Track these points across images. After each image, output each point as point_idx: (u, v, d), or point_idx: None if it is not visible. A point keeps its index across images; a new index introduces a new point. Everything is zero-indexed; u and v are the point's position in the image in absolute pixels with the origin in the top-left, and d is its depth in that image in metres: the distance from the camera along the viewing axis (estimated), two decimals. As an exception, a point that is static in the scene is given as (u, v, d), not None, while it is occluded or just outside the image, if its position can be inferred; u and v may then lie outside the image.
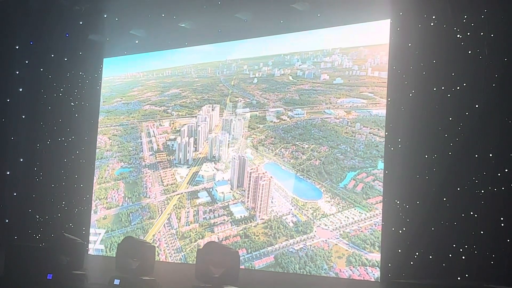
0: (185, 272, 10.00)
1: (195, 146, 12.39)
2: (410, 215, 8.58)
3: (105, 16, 11.76)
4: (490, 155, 8.10)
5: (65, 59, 12.93)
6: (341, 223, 9.45)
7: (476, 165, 8.16)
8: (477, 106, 8.28)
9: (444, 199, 8.33)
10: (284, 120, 10.92)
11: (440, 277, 8.17)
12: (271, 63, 11.48)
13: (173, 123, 12.91)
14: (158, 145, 12.96)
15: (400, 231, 8.61)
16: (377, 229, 9.09)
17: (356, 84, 10.15)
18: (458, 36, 8.53)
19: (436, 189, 8.41)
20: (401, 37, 9.11)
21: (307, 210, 9.95)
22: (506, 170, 7.95)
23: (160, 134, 13.00)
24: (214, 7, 10.66)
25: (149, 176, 12.86)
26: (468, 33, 8.46)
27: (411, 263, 8.41)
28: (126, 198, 12.86)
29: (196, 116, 12.39)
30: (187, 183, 12.16)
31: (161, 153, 12.93)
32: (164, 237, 11.75)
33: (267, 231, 10.32)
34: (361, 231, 9.23)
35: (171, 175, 12.56)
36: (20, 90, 12.94)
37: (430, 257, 8.33)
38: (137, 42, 12.22)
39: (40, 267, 9.68)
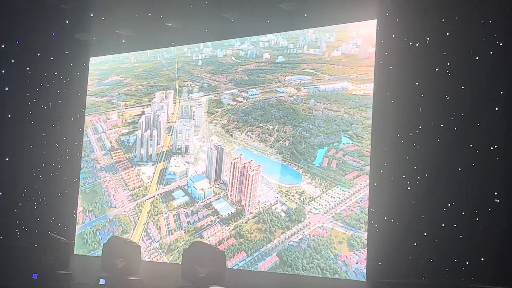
0: (171, 272, 9.98)
1: (151, 138, 11.79)
2: (397, 214, 8.59)
3: (91, 15, 11.73)
4: (478, 151, 8.14)
5: (52, 58, 12.87)
6: (329, 204, 9.35)
7: (468, 160, 8.19)
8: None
9: (433, 196, 8.35)
10: (241, 101, 10.88)
11: (427, 276, 8.20)
12: (211, 45, 11.46)
13: (122, 115, 12.40)
14: (110, 142, 12.34)
15: (387, 231, 8.61)
16: (364, 205, 9.02)
17: (296, 61, 10.41)
18: (446, 35, 8.58)
19: (424, 188, 8.44)
20: (388, 38, 9.12)
21: (293, 196, 9.78)
22: (500, 165, 7.98)
23: (110, 129, 12.40)
24: (201, 7, 10.64)
25: (109, 180, 12.12)
26: (454, 34, 8.50)
27: (398, 262, 8.42)
28: (87, 212, 12.13)
29: (150, 105, 11.97)
30: (157, 183, 11.57)
31: (116, 151, 12.28)
32: (147, 254, 11.01)
33: (260, 226, 10.01)
34: (351, 210, 9.12)
35: (136, 176, 11.83)
36: (6, 89, 12.87)
37: (416, 258, 8.35)
38: (123, 41, 12.18)
39: (25, 267, 9.66)
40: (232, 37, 11.14)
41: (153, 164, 11.75)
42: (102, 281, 9.37)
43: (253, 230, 10.07)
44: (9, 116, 12.92)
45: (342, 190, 9.31)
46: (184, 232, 10.85)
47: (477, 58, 8.26)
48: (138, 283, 9.48)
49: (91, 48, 12.63)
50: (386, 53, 9.10)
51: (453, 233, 8.13)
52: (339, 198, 9.30)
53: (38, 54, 12.95)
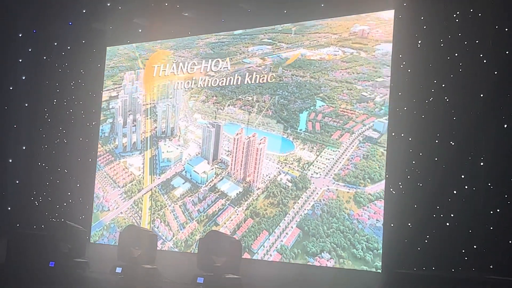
0: (187, 261, 9.99)
1: (134, 124, 11.50)
2: (412, 207, 8.59)
3: (108, 4, 11.73)
4: (493, 148, 8.13)
5: (68, 48, 12.92)
6: (326, 167, 9.52)
7: (483, 156, 8.19)
8: (481, 95, 8.30)
9: (446, 190, 8.36)
10: (213, 76, 10.97)
11: (441, 267, 8.20)
12: None
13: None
14: (83, 133, 12.13)
15: (402, 223, 8.62)
16: (356, 161, 9.23)
17: (253, 32, 10.83)
18: (464, 28, 8.55)
19: (440, 180, 8.44)
20: (405, 28, 9.10)
21: (292, 164, 9.85)
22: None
23: (80, 119, 12.19)
24: (217, -3, 10.69)
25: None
26: (473, 24, 8.46)
27: (413, 253, 8.44)
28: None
29: (121, 88, 11.85)
30: (151, 174, 11.22)
31: (92, 143, 12.05)
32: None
33: (272, 200, 9.97)
34: (347, 169, 9.30)
35: (123, 169, 11.48)
36: (23, 78, 12.94)
37: (430, 250, 8.35)
38: (140, 31, 12.18)
39: (42, 255, 9.70)
40: (249, 27, 11.08)
41: (139, 153, 11.44)
42: (118, 270, 9.39)
43: (266, 206, 10.03)
44: (26, 105, 12.99)
45: (333, 151, 9.51)
46: (197, 223, 10.66)
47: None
48: (154, 272, 9.50)
49: (108, 37, 12.63)
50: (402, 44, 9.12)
51: (470, 225, 8.14)
52: (333, 158, 9.48)
53: (55, 43, 13.00)
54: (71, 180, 12.61)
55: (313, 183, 9.57)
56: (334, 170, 9.38)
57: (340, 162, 9.35)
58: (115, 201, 11.49)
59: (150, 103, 11.58)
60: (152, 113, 11.51)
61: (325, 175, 9.46)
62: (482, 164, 8.18)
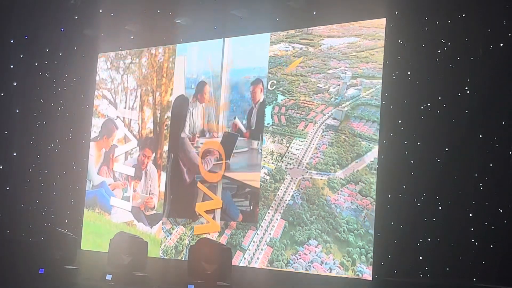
0: (177, 269, 9.99)
1: None
2: (403, 215, 8.61)
3: (100, 11, 11.72)
4: (488, 150, 8.16)
5: (60, 54, 12.89)
6: (298, 157, 9.81)
7: (474, 159, 8.22)
8: (473, 103, 8.34)
9: (437, 197, 8.38)
10: None
11: (432, 276, 8.21)
12: None
13: None
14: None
15: (393, 231, 8.64)
16: (323, 149, 9.54)
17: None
18: (455, 35, 8.58)
19: (431, 188, 8.47)
20: (396, 36, 9.12)
21: (266, 157, 10.11)
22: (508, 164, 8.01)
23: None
24: (210, 4, 10.65)
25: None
26: (465, 32, 8.50)
27: (404, 261, 8.45)
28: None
29: None
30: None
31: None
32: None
33: None
34: (317, 157, 9.61)
35: None
36: (15, 84, 12.88)
37: (421, 257, 8.37)
38: (132, 37, 12.18)
39: (32, 262, 9.68)
40: (241, 34, 11.09)
41: None
42: (108, 277, 9.38)
43: (250, 201, 10.26)
44: (17, 111, 12.93)
45: (301, 141, 9.82)
46: (184, 227, 10.76)
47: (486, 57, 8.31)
48: (145, 279, 9.49)
49: (100, 44, 12.62)
50: (395, 54, 9.14)
51: (459, 234, 8.16)
52: (302, 149, 9.79)
53: (47, 50, 12.95)
54: (62, 187, 12.58)
55: (289, 173, 9.87)
56: (306, 160, 9.71)
57: (309, 151, 9.71)
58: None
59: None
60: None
61: (298, 165, 9.77)
62: (473, 170, 8.19)
